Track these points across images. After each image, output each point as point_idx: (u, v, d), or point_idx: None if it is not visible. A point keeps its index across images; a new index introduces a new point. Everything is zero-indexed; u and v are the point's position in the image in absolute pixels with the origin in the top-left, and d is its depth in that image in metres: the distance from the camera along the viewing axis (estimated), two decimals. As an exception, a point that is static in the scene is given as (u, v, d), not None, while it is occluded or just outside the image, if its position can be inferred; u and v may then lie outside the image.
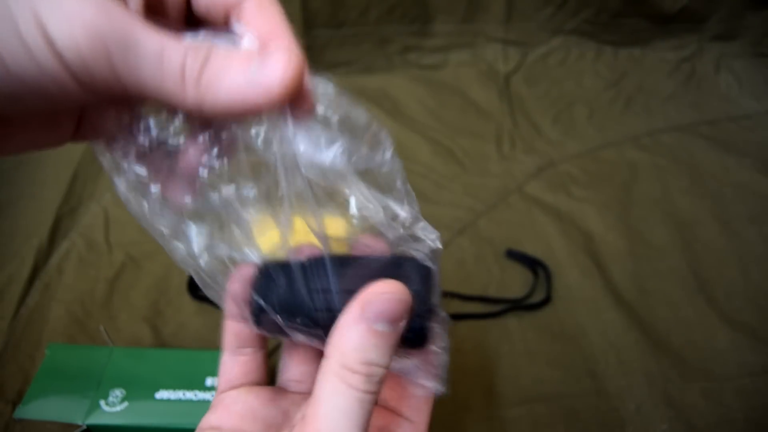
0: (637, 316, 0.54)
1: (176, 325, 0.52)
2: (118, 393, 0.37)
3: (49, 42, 0.15)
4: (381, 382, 0.19)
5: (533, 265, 0.57)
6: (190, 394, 0.37)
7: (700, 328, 0.53)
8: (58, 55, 0.15)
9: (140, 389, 0.37)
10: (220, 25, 0.20)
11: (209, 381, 0.38)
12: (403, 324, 0.19)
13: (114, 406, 0.37)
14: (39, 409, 0.36)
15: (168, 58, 0.16)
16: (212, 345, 0.50)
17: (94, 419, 0.36)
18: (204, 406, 0.37)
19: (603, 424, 0.46)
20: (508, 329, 0.53)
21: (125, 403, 0.37)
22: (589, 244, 0.60)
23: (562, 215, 0.64)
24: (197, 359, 0.40)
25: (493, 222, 0.63)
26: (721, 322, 0.53)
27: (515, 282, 0.57)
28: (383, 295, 0.18)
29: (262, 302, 0.22)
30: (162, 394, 0.37)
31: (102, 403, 0.37)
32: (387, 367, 0.19)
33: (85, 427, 0.36)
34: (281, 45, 0.18)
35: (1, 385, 0.46)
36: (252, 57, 0.17)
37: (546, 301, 0.55)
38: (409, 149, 0.73)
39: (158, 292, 0.54)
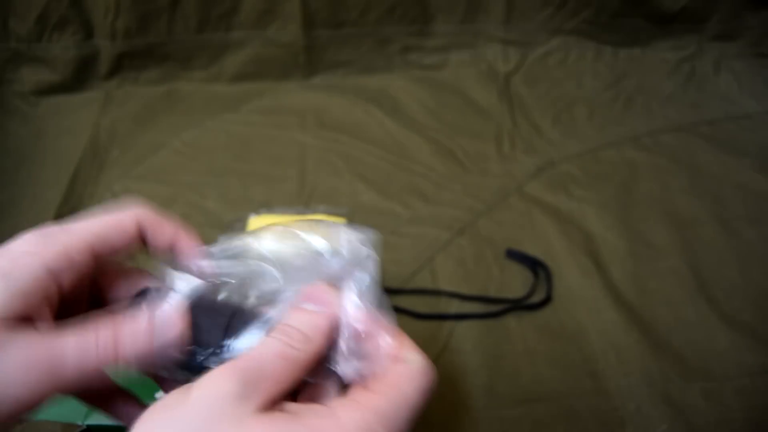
0: (637, 316, 0.54)
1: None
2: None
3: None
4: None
5: (533, 265, 0.57)
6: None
7: (700, 328, 0.53)
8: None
9: (141, 389, 0.37)
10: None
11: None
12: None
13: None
14: (39, 409, 0.36)
15: (86, 363, 0.21)
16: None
17: (94, 419, 0.36)
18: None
19: (603, 424, 0.46)
20: (508, 329, 0.53)
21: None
22: (589, 244, 0.60)
23: (562, 215, 0.64)
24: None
25: (493, 222, 0.63)
26: (721, 322, 0.53)
27: (515, 282, 0.57)
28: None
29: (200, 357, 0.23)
30: (162, 394, 0.37)
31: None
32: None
33: (84, 427, 0.36)
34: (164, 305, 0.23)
35: (1, 385, 0.46)
36: (150, 324, 0.22)
37: (546, 301, 0.55)
38: (409, 149, 0.73)
39: (158, 292, 0.54)
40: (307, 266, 0.26)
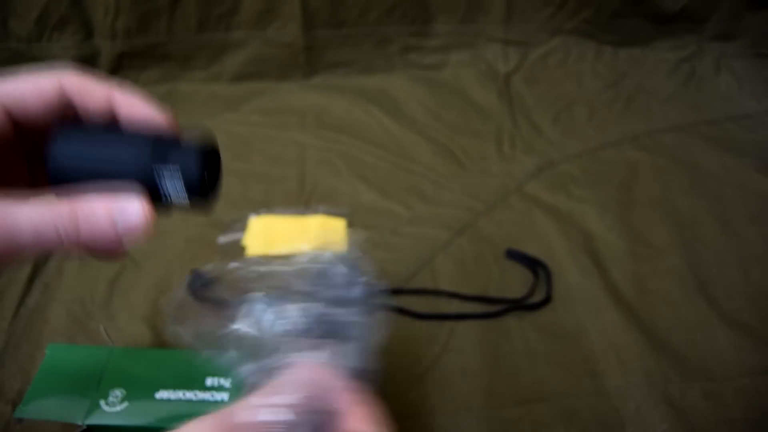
0: (637, 316, 0.54)
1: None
2: (118, 393, 0.37)
3: None
4: None
5: (533, 265, 0.57)
6: (190, 394, 0.37)
7: (700, 328, 0.53)
8: None
9: (140, 389, 0.37)
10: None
11: (209, 381, 0.38)
12: None
13: (114, 406, 0.37)
14: (39, 408, 0.36)
15: (46, 239, 0.21)
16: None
17: (94, 419, 0.36)
18: (204, 406, 0.37)
19: (603, 424, 0.46)
20: (508, 329, 0.53)
21: (125, 403, 0.37)
22: (589, 244, 0.60)
23: (562, 215, 0.64)
24: (197, 359, 0.40)
25: (493, 222, 0.63)
26: (721, 322, 0.53)
27: (515, 282, 0.57)
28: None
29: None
30: (162, 394, 0.37)
31: (102, 403, 0.37)
32: None
33: (85, 426, 0.36)
34: (127, 197, 0.22)
35: (1, 385, 0.46)
36: (111, 208, 0.21)
37: (546, 301, 0.55)
38: (409, 149, 0.73)
39: (158, 292, 0.54)
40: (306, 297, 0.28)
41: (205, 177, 0.24)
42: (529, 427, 0.46)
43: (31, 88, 0.24)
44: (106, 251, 0.22)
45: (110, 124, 0.25)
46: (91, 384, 0.38)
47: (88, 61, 0.77)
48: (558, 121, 0.78)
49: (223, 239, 0.60)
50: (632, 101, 0.82)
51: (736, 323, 0.53)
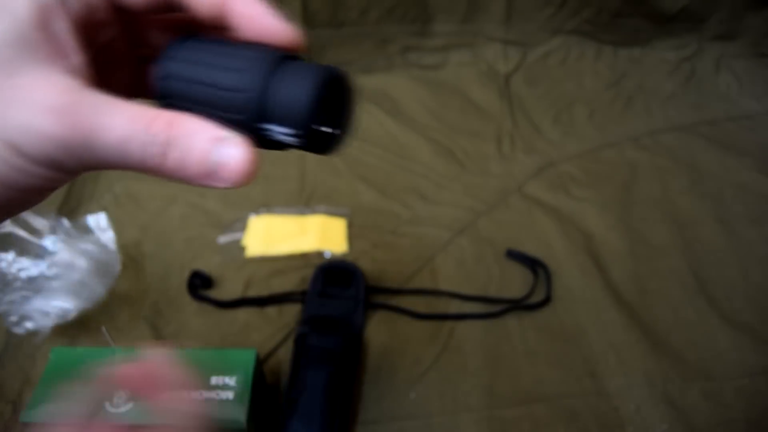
0: (637, 316, 0.54)
1: (176, 325, 0.52)
2: (122, 394, 0.37)
3: (24, 155, 0.17)
4: None
5: (533, 265, 0.58)
6: (195, 394, 0.37)
7: (700, 328, 0.53)
8: (33, 161, 0.17)
9: (143, 390, 0.37)
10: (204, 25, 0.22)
11: (214, 380, 0.38)
12: None
13: (119, 407, 0.37)
14: (44, 412, 0.36)
15: (129, 152, 0.18)
16: (212, 344, 0.50)
17: (99, 420, 0.36)
18: (209, 405, 0.37)
19: (603, 424, 0.46)
20: (508, 329, 0.53)
21: (130, 404, 0.37)
22: (589, 244, 0.60)
23: (562, 215, 0.64)
24: (201, 358, 0.40)
25: (493, 222, 0.63)
26: (721, 322, 0.53)
27: (515, 282, 0.57)
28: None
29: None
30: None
31: (107, 404, 0.37)
32: None
33: (87, 427, 0.36)
34: (234, 136, 0.19)
35: (1, 385, 0.46)
36: (211, 141, 0.18)
37: (546, 301, 0.55)
38: (409, 149, 0.73)
39: (158, 292, 0.54)
40: None
41: (318, 106, 0.19)
42: (529, 427, 0.46)
43: None
44: (190, 182, 0.19)
45: (231, 40, 0.21)
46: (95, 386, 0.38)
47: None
48: (558, 121, 0.78)
49: (223, 239, 0.61)
50: (632, 101, 0.82)
51: (736, 323, 0.53)
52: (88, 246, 0.51)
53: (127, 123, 0.18)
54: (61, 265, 0.48)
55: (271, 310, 0.53)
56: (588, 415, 0.47)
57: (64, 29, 0.19)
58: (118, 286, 0.54)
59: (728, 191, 0.67)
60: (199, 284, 0.55)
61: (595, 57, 0.88)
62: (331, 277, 0.54)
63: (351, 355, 0.48)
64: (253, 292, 0.54)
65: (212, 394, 0.37)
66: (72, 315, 0.48)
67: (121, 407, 0.37)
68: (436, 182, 0.68)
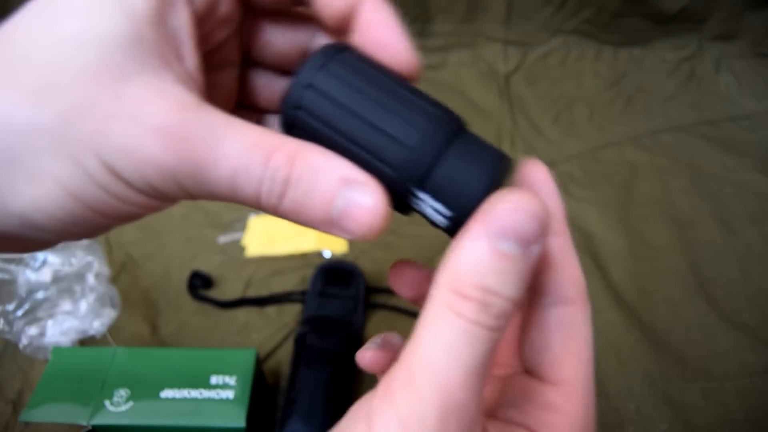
0: (637, 316, 0.54)
1: (176, 325, 0.52)
2: (122, 393, 0.37)
3: (120, 179, 0.15)
4: (504, 317, 0.14)
5: (533, 265, 0.57)
6: (195, 393, 0.37)
7: (700, 328, 0.53)
8: (130, 186, 0.15)
9: (145, 389, 0.37)
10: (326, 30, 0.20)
11: (214, 379, 0.38)
12: (536, 249, 0.15)
13: (119, 406, 0.37)
14: (44, 412, 0.36)
15: (241, 187, 0.15)
16: (212, 344, 0.50)
17: (100, 419, 0.36)
18: (209, 404, 0.37)
19: (603, 424, 0.46)
20: (508, 329, 0.53)
21: (130, 403, 0.37)
22: (589, 244, 0.60)
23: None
24: (201, 358, 0.40)
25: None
26: (721, 322, 0.53)
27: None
28: (513, 207, 0.14)
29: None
30: (167, 393, 0.37)
31: (107, 403, 0.37)
32: (514, 302, 0.15)
33: (90, 427, 0.36)
34: (368, 181, 0.16)
35: (1, 385, 0.46)
36: (339, 183, 0.15)
37: (546, 301, 0.55)
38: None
39: (158, 292, 0.54)
40: None
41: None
42: (529, 427, 0.46)
43: None
44: (308, 227, 0.17)
45: (388, 72, 0.18)
46: (96, 385, 0.38)
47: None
48: (558, 121, 0.78)
49: (223, 239, 0.61)
50: (632, 101, 0.82)
51: (736, 323, 0.53)
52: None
53: (244, 153, 0.15)
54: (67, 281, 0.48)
55: (271, 310, 0.53)
56: (588, 415, 0.47)
57: (183, 26, 0.16)
58: (117, 286, 0.54)
59: (728, 191, 0.67)
60: (199, 284, 0.55)
61: (595, 57, 0.88)
62: (331, 277, 0.54)
63: (351, 355, 0.48)
64: (253, 292, 0.54)
65: (212, 394, 0.37)
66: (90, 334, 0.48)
67: (122, 406, 0.37)
68: (436, 182, 0.68)
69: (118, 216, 0.16)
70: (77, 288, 0.48)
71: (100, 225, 0.16)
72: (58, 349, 0.41)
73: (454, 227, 0.17)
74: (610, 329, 0.52)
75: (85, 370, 0.39)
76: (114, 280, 0.55)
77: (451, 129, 0.17)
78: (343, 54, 0.17)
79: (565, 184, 0.68)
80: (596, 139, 0.75)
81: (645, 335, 0.52)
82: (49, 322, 0.47)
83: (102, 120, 0.14)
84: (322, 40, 0.20)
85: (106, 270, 0.51)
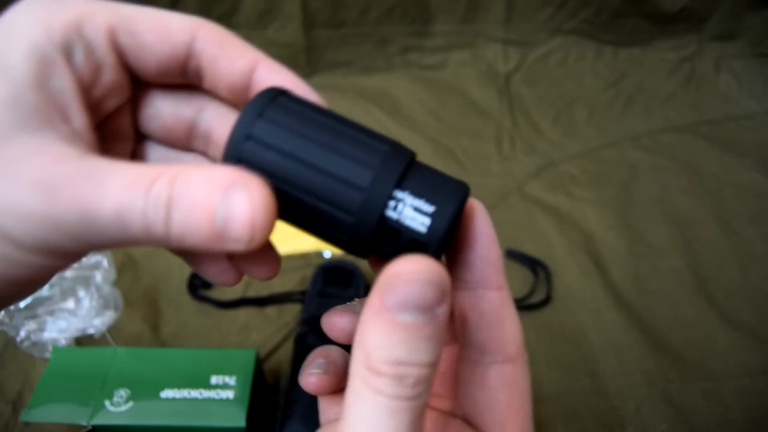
0: (637, 316, 0.54)
1: (176, 325, 0.52)
2: (122, 393, 0.37)
3: (10, 241, 0.15)
4: (423, 383, 0.14)
5: (533, 265, 0.58)
6: (195, 393, 0.37)
7: (700, 327, 0.53)
8: (22, 247, 0.15)
9: (145, 389, 0.37)
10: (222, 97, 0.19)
11: (214, 379, 0.38)
12: (443, 309, 0.14)
13: (119, 406, 0.37)
14: (44, 412, 0.36)
15: (129, 222, 0.14)
16: (212, 344, 0.50)
17: (100, 419, 0.36)
18: (209, 404, 0.37)
19: (603, 424, 0.46)
20: (508, 329, 0.53)
21: (130, 403, 0.37)
22: (589, 244, 0.60)
23: (562, 215, 0.64)
24: (201, 358, 0.40)
25: (493, 222, 0.63)
26: (721, 322, 0.53)
27: (515, 282, 0.57)
28: (408, 279, 0.14)
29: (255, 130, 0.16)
30: (167, 393, 0.37)
31: (107, 403, 0.37)
32: (430, 365, 0.15)
33: (90, 427, 0.36)
34: (245, 180, 0.15)
35: (1, 385, 0.46)
36: (218, 199, 0.14)
37: (546, 301, 0.55)
38: (410, 149, 0.73)
39: (158, 292, 0.54)
40: None
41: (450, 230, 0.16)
42: (529, 427, 0.46)
43: (157, 23, 0.17)
44: (206, 250, 0.15)
45: (321, 109, 0.17)
46: (96, 385, 0.38)
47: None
48: (558, 121, 0.78)
49: (223, 239, 0.61)
50: (632, 101, 0.82)
51: (736, 323, 0.53)
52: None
53: (127, 188, 0.14)
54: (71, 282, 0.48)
55: (271, 310, 0.53)
56: (588, 415, 0.47)
57: (67, 88, 0.16)
58: (118, 286, 0.54)
59: (728, 191, 0.68)
60: (199, 284, 0.55)
61: (595, 57, 0.88)
62: (331, 277, 0.54)
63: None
64: (253, 292, 0.54)
65: (212, 394, 0.37)
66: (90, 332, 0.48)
67: (122, 406, 0.37)
68: (436, 182, 0.68)
69: (18, 281, 0.15)
70: (81, 287, 0.48)
71: (12, 292, 0.16)
72: (58, 349, 0.41)
73: (428, 251, 0.16)
74: (609, 329, 0.52)
75: (85, 370, 0.39)
76: (114, 280, 0.55)
77: (404, 164, 0.16)
78: (281, 98, 0.17)
79: (565, 184, 0.68)
80: (596, 139, 0.75)
81: (645, 335, 0.52)
82: (49, 319, 0.47)
83: None
84: (212, 113, 0.20)
85: (113, 271, 0.51)
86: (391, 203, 0.16)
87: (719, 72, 0.87)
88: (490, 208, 0.64)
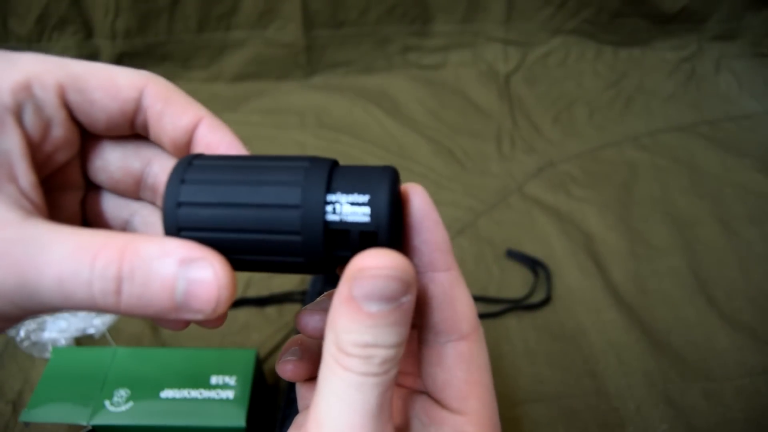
0: (637, 316, 0.54)
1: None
2: (122, 393, 0.37)
3: None
4: (389, 362, 0.15)
5: (533, 265, 0.58)
6: (195, 393, 0.37)
7: (700, 328, 0.53)
8: None
9: (145, 389, 0.37)
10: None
11: (214, 379, 0.38)
12: (409, 298, 0.15)
13: (119, 406, 0.37)
14: (44, 412, 0.36)
15: (72, 292, 0.15)
16: (212, 344, 0.50)
17: (100, 419, 0.36)
18: (209, 404, 0.37)
19: (603, 424, 0.46)
20: (508, 329, 0.53)
21: (130, 403, 0.37)
22: (589, 244, 0.60)
23: (562, 215, 0.64)
24: (201, 358, 0.40)
25: (493, 222, 0.63)
26: (721, 322, 0.53)
27: (515, 282, 0.57)
28: (374, 273, 0.15)
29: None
30: (167, 393, 0.37)
31: (107, 403, 0.37)
32: (397, 346, 0.15)
33: (90, 427, 0.36)
34: (206, 255, 0.16)
35: (2, 384, 0.46)
36: (176, 273, 0.15)
37: (546, 301, 0.55)
38: (409, 149, 0.73)
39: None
40: None
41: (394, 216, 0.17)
42: (529, 427, 0.46)
43: (105, 78, 0.18)
44: (165, 324, 0.17)
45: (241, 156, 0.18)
46: (96, 385, 0.38)
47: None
48: (558, 121, 0.78)
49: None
50: (632, 101, 0.82)
51: (736, 323, 0.53)
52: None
53: (69, 257, 0.14)
54: None
55: (271, 310, 0.53)
56: (588, 415, 0.47)
57: (15, 149, 0.16)
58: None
59: (728, 191, 0.68)
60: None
61: (595, 57, 0.88)
62: (330, 276, 0.54)
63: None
64: (253, 292, 0.54)
65: (212, 394, 0.37)
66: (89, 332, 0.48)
67: (122, 406, 0.37)
68: (436, 182, 0.68)
69: None
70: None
71: None
72: (58, 350, 0.41)
73: (380, 239, 0.16)
74: (610, 329, 0.52)
75: (85, 370, 0.39)
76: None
77: (327, 170, 0.17)
78: (196, 161, 0.17)
79: (565, 184, 0.68)
80: (596, 139, 0.75)
81: (645, 335, 0.52)
82: (49, 319, 0.47)
83: None
84: (158, 167, 0.20)
85: None
86: (329, 208, 0.16)
87: (719, 72, 0.87)
88: (490, 208, 0.65)
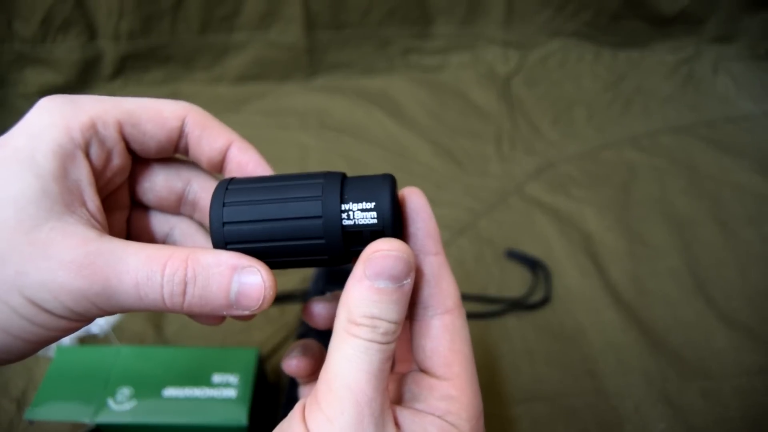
0: (636, 316, 0.54)
1: (179, 325, 0.52)
2: (125, 391, 0.38)
3: (42, 309, 0.18)
4: (391, 333, 0.19)
5: (533, 265, 0.58)
6: (197, 392, 0.38)
7: (699, 327, 0.53)
8: (51, 314, 0.18)
9: (148, 387, 0.38)
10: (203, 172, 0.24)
11: (216, 378, 0.38)
12: (408, 281, 0.19)
13: (122, 405, 0.37)
14: (48, 410, 0.37)
15: (146, 294, 0.18)
16: (214, 343, 0.51)
17: (103, 418, 0.36)
18: (211, 403, 0.37)
19: (602, 423, 0.46)
20: (507, 329, 0.53)
21: (133, 401, 0.37)
22: (589, 245, 0.61)
23: (562, 215, 0.64)
24: (204, 357, 0.40)
25: (492, 222, 0.63)
26: (719, 322, 0.54)
27: (515, 282, 0.57)
28: (385, 254, 0.19)
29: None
30: (170, 392, 0.38)
31: (110, 401, 0.37)
32: (397, 323, 0.19)
33: (93, 425, 0.36)
34: (253, 263, 0.20)
35: (6, 383, 0.46)
36: (230, 277, 0.19)
37: (545, 301, 0.55)
38: (410, 150, 0.73)
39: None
40: None
41: (395, 215, 0.21)
42: (528, 426, 0.46)
43: (154, 112, 0.21)
44: (209, 320, 0.21)
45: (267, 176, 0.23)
46: (99, 383, 0.38)
47: (92, 63, 0.78)
48: (557, 122, 0.79)
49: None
50: (631, 102, 0.82)
51: (734, 323, 0.54)
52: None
53: (143, 265, 0.18)
54: None
55: (273, 310, 0.54)
56: (587, 414, 0.47)
57: (83, 178, 0.19)
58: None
59: (726, 192, 0.68)
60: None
61: (594, 59, 0.89)
62: (332, 276, 0.54)
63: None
64: (255, 292, 0.55)
65: (214, 393, 0.38)
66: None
67: (125, 405, 0.37)
68: (436, 183, 0.68)
69: (42, 341, 0.19)
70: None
71: (27, 351, 0.19)
72: (62, 348, 0.41)
73: (386, 235, 0.20)
74: (609, 329, 0.53)
75: (88, 368, 0.39)
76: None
77: (339, 184, 0.20)
78: (231, 186, 0.21)
79: (564, 184, 0.68)
80: (595, 140, 0.75)
81: (643, 335, 0.52)
82: None
83: (20, 262, 0.17)
84: (198, 185, 0.24)
85: None
86: (344, 215, 0.20)
87: (717, 74, 0.87)
88: (490, 208, 0.65)
